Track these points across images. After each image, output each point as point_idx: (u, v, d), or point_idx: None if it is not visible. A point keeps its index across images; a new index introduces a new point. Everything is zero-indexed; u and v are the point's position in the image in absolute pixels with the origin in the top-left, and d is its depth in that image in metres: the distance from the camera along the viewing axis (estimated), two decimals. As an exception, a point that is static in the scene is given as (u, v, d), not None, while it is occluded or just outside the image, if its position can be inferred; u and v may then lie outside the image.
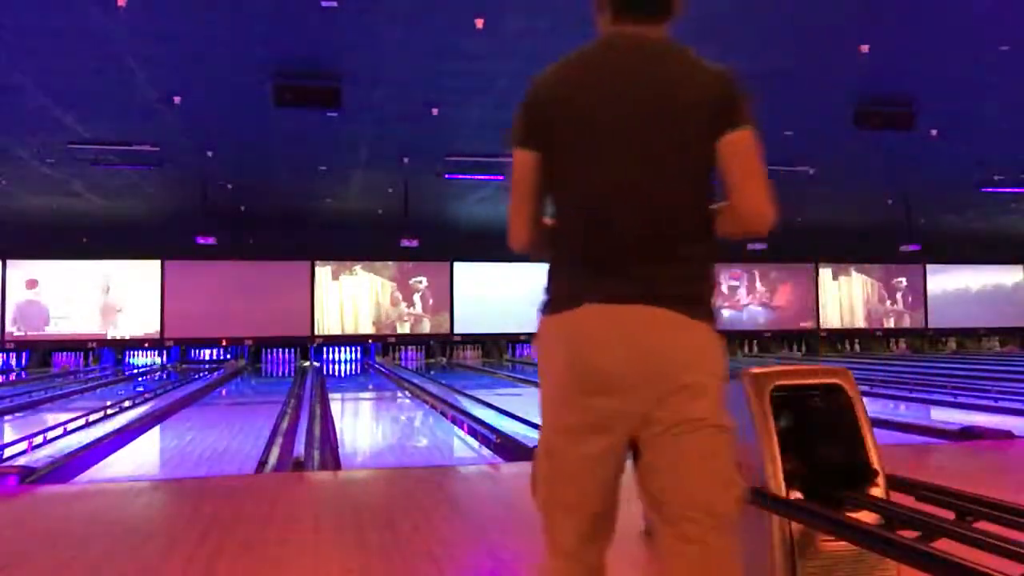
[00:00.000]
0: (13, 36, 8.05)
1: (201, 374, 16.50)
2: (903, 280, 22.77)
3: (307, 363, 18.98)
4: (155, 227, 17.53)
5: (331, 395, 11.58)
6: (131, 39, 8.15)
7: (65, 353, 18.60)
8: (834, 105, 10.55)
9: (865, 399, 2.44)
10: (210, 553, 2.98)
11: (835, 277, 22.55)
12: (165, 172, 13.36)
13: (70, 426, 7.75)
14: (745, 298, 22.02)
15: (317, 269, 19.64)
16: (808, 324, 22.25)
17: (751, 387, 2.40)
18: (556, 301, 1.49)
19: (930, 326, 22.79)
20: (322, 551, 3.02)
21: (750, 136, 1.46)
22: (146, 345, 18.80)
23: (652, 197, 1.45)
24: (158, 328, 18.71)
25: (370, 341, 19.90)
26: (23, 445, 6.57)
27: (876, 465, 2.28)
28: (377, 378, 16.22)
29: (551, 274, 1.54)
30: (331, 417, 8.69)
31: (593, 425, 1.43)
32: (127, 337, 18.73)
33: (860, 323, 22.61)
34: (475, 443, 7.12)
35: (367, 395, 13.45)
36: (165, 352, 18.92)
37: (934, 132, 11.82)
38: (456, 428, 8.03)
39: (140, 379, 15.51)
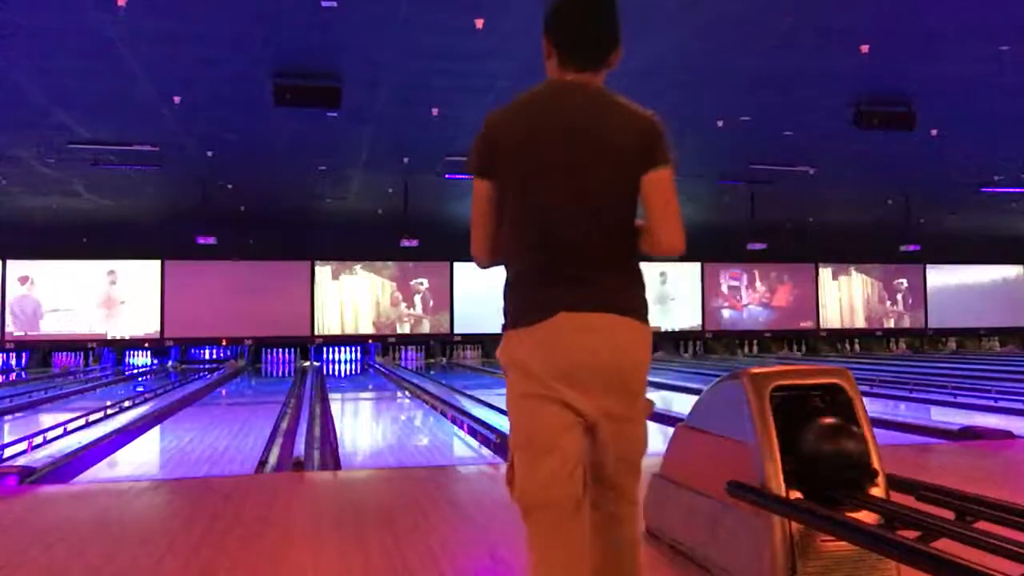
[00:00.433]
0: (13, 36, 8.05)
1: (201, 374, 16.50)
2: (903, 280, 22.77)
3: (307, 363, 18.99)
4: (155, 227, 17.54)
5: (331, 395, 11.58)
6: (131, 39, 8.15)
7: (65, 353, 18.61)
8: (834, 105, 10.56)
9: (865, 399, 2.44)
10: (210, 553, 2.98)
11: (835, 277, 22.55)
12: (165, 172, 13.36)
13: (70, 426, 7.75)
14: (745, 298, 22.03)
15: (317, 269, 19.64)
16: (808, 324, 22.26)
17: (751, 387, 2.40)
18: (526, 313, 1.69)
19: (930, 326, 22.80)
20: (322, 551, 3.02)
21: (668, 175, 1.73)
22: (146, 345, 18.80)
23: (599, 220, 1.71)
24: (158, 328, 18.72)
25: (370, 341, 19.90)
26: (23, 445, 6.56)
27: (876, 465, 2.28)
28: (377, 378, 16.22)
29: (513, 290, 1.74)
30: (331, 417, 8.69)
31: (570, 412, 1.67)
32: (127, 337, 18.73)
33: (860, 323, 22.61)
34: (475, 443, 7.12)
35: (367, 395, 13.44)
36: (160, 354, 18.93)
37: (934, 132, 11.83)
38: (456, 428, 8.03)
39: (140, 379, 15.51)
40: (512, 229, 1.74)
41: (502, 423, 7.48)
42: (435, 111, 10.63)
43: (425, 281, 19.98)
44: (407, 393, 12.16)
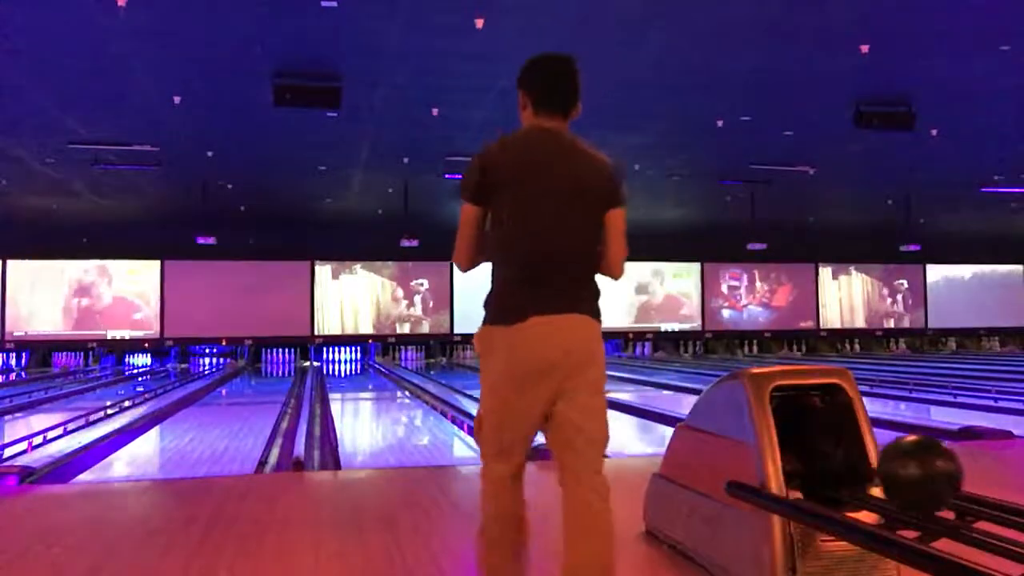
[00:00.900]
0: (13, 36, 8.05)
1: (201, 374, 16.49)
2: (903, 280, 22.77)
3: (307, 363, 18.99)
4: (155, 227, 17.54)
5: (331, 395, 11.58)
6: (131, 39, 8.15)
7: (65, 353, 18.61)
8: (834, 105, 10.56)
9: (865, 399, 2.44)
10: (210, 553, 2.98)
11: (835, 277, 22.55)
12: (165, 172, 13.36)
13: (70, 426, 7.75)
14: (745, 298, 22.03)
15: (317, 269, 19.64)
16: (808, 324, 22.26)
17: (751, 387, 2.41)
18: (505, 314, 2.07)
19: (930, 326, 22.80)
20: (322, 551, 3.02)
21: (622, 214, 2.18)
22: (146, 345, 18.80)
23: (571, 245, 2.11)
24: (158, 328, 18.72)
25: (370, 341, 19.90)
26: (23, 445, 6.56)
27: (876, 465, 2.28)
28: (377, 378, 16.22)
29: (496, 295, 2.12)
30: (331, 417, 8.69)
31: (535, 390, 2.05)
32: (127, 337, 18.74)
33: (860, 323, 22.60)
34: (475, 443, 7.10)
35: (367, 395, 13.45)
36: (159, 356, 18.94)
37: (934, 132, 11.83)
38: (456, 428, 8.03)
39: (140, 379, 15.51)
40: (501, 246, 2.11)
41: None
42: (435, 111, 10.63)
43: (425, 281, 19.98)
44: (407, 393, 12.16)
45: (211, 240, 15.77)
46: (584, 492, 2.04)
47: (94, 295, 18.68)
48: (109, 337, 18.64)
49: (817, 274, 22.36)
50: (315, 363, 18.98)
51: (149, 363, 18.76)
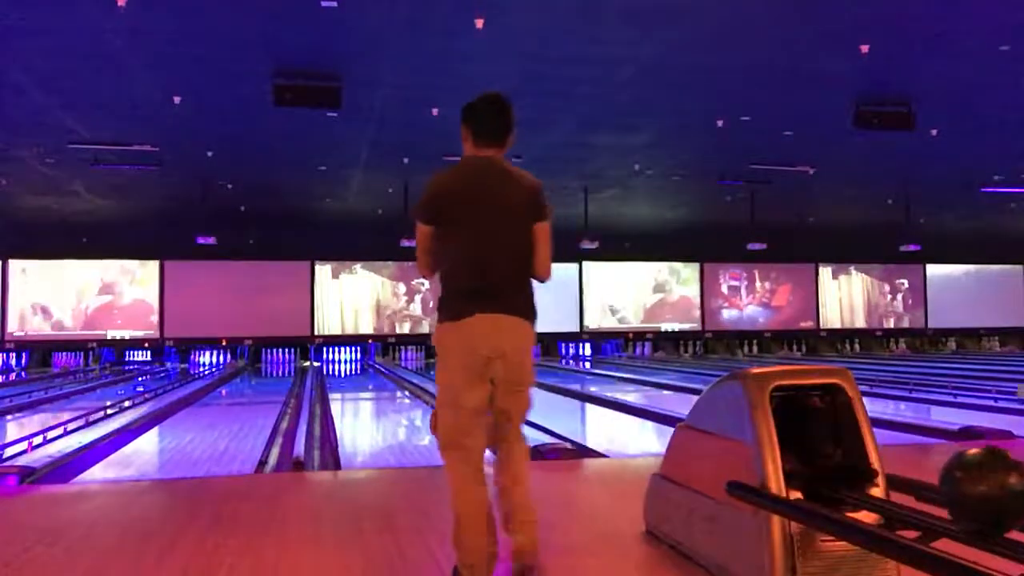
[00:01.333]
0: (13, 36, 8.05)
1: (201, 374, 16.49)
2: (903, 280, 22.77)
3: (307, 363, 18.99)
4: (155, 227, 17.53)
5: (331, 395, 11.58)
6: (131, 39, 8.15)
7: (65, 353, 18.60)
8: (834, 105, 10.55)
9: (865, 399, 2.44)
10: (210, 553, 2.98)
11: (835, 277, 22.55)
12: (165, 172, 13.35)
13: (70, 426, 7.75)
14: (745, 298, 22.03)
15: (317, 269, 19.64)
16: (808, 324, 22.26)
17: (751, 387, 2.41)
18: (454, 313, 2.48)
19: (930, 326, 22.80)
20: (322, 551, 3.02)
21: (547, 226, 2.57)
22: (146, 345, 18.80)
23: (507, 255, 2.50)
24: (158, 328, 18.72)
25: (370, 341, 19.90)
26: (23, 445, 6.56)
27: (876, 465, 2.28)
28: (377, 378, 16.21)
29: (446, 299, 2.55)
30: (331, 417, 8.69)
31: (480, 380, 2.45)
32: (127, 337, 18.73)
33: (860, 323, 22.61)
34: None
35: (367, 395, 13.45)
36: (157, 354, 18.93)
37: (934, 132, 11.82)
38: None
39: (140, 379, 15.51)
40: (449, 257, 2.54)
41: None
42: (435, 111, 10.63)
43: (425, 281, 19.99)
44: (407, 393, 12.16)
45: (211, 240, 15.77)
46: (512, 447, 2.57)
47: (93, 295, 18.68)
48: (109, 337, 18.64)
49: (817, 274, 22.36)
50: (315, 363, 18.98)
51: (147, 360, 18.76)
